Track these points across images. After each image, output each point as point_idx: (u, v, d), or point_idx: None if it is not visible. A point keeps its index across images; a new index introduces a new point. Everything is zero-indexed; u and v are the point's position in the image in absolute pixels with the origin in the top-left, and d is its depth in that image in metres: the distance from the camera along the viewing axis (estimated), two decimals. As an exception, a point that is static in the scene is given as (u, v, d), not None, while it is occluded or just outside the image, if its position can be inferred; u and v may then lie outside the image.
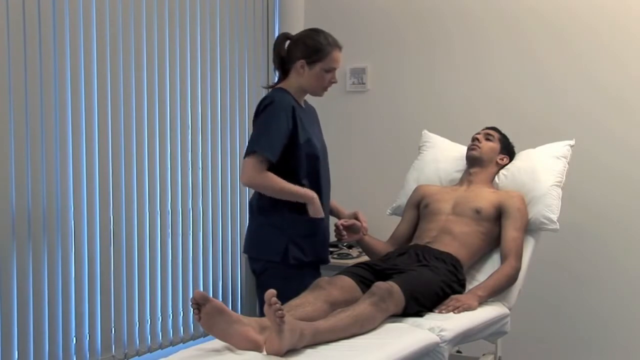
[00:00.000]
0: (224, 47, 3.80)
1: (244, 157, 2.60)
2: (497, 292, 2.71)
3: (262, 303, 2.41)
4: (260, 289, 2.69)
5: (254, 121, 2.67)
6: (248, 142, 2.63)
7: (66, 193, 3.05)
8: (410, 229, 3.01)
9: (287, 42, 2.71)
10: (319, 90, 2.72)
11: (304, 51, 2.65)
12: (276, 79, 2.82)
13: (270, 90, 2.75)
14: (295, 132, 2.62)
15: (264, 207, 2.68)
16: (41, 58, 2.93)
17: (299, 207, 2.63)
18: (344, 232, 2.77)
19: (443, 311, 2.50)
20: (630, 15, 3.40)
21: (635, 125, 3.41)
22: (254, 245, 2.74)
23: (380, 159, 4.02)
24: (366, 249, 2.94)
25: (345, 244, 3.77)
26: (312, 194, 2.64)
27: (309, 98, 2.82)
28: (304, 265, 2.66)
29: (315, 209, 2.64)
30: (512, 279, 2.74)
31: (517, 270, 2.76)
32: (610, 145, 3.45)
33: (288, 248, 2.63)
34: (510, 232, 2.82)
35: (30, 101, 2.91)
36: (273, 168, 2.58)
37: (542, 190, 2.94)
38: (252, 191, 2.80)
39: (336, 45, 2.69)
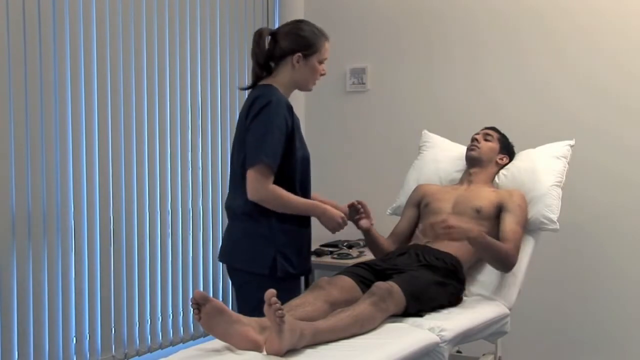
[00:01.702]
0: (224, 48, 3.80)
1: (247, 168, 2.41)
2: (490, 252, 2.66)
3: (241, 313, 2.35)
4: (243, 302, 2.55)
5: (249, 121, 2.44)
6: (248, 149, 2.43)
7: (66, 193, 3.06)
8: (410, 227, 3.00)
9: (269, 38, 2.55)
10: (311, 84, 2.60)
11: (300, 43, 2.50)
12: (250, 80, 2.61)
13: (260, 86, 2.53)
14: (293, 134, 2.48)
15: (249, 214, 2.49)
16: (41, 58, 2.93)
17: (287, 216, 2.49)
18: (361, 209, 2.69)
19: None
20: (627, 18, 3.40)
21: (632, 126, 3.41)
22: (238, 256, 2.55)
23: (380, 159, 4.02)
24: (371, 240, 2.87)
25: (345, 244, 3.77)
26: (322, 207, 2.52)
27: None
28: (288, 278, 2.52)
29: (328, 220, 2.53)
30: (508, 258, 2.69)
31: (514, 258, 2.72)
32: (606, 145, 3.45)
33: (276, 260, 2.47)
34: (510, 224, 2.79)
35: (30, 101, 2.91)
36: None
37: (542, 190, 2.93)
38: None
39: (325, 36, 2.57)
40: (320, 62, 2.56)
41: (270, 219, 2.48)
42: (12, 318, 2.89)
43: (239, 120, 2.56)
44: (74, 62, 3.07)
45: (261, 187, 2.40)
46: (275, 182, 2.43)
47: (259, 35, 2.54)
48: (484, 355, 2.96)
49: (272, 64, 2.56)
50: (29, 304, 2.94)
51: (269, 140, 2.40)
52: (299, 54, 2.51)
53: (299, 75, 2.54)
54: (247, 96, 2.60)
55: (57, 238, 3.03)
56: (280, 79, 2.54)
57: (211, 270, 3.77)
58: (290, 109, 2.49)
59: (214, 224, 3.76)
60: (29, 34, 2.88)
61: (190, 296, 2.52)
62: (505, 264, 2.71)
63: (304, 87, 2.60)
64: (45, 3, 2.94)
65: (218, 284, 3.81)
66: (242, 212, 2.52)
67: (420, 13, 3.91)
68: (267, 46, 2.54)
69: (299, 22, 2.60)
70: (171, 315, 3.56)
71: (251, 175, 2.41)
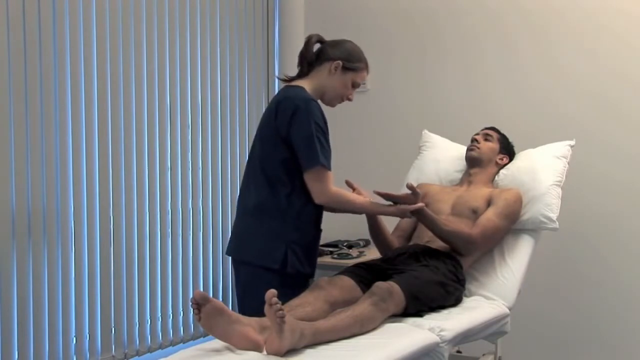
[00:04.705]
0: (224, 48, 3.80)
1: (314, 173, 2.45)
2: (438, 228, 2.67)
3: (245, 310, 2.36)
4: (250, 297, 2.53)
5: (286, 125, 2.46)
6: (301, 154, 2.46)
7: (66, 193, 3.05)
8: (413, 222, 2.99)
9: (317, 45, 2.63)
10: (337, 99, 2.65)
11: (346, 54, 2.59)
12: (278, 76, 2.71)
13: (291, 86, 2.59)
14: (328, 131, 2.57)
15: (262, 208, 2.53)
16: (41, 58, 2.93)
17: (301, 214, 2.52)
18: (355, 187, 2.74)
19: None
20: (624, 22, 3.41)
21: (627, 129, 3.42)
22: (249, 249, 2.55)
23: (380, 159, 4.02)
24: (375, 228, 2.86)
25: (345, 244, 3.77)
26: (383, 206, 2.62)
27: None
28: (297, 276, 2.54)
29: (402, 212, 2.61)
30: (466, 240, 2.72)
31: (474, 241, 2.73)
32: (603, 149, 3.46)
33: (287, 256, 2.49)
34: (486, 214, 2.81)
35: (30, 101, 2.91)
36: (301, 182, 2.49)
37: (542, 190, 2.94)
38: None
39: (367, 64, 2.67)
40: (353, 85, 2.64)
41: (284, 215, 2.51)
42: (12, 318, 2.88)
43: (263, 118, 2.60)
44: (74, 62, 3.06)
45: (324, 188, 2.47)
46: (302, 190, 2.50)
47: (308, 39, 2.61)
48: (484, 355, 2.96)
49: (305, 70, 2.62)
50: (29, 304, 2.94)
51: (327, 144, 2.50)
52: (340, 62, 2.57)
53: (331, 83, 2.60)
54: (275, 96, 2.64)
55: (57, 238, 3.03)
56: (312, 81, 2.60)
57: (211, 270, 3.77)
58: (320, 108, 2.53)
59: (214, 224, 3.76)
60: (29, 34, 2.88)
61: (190, 296, 2.51)
62: (462, 244, 2.72)
63: (329, 99, 2.64)
64: (45, 3, 2.94)
65: (218, 283, 3.81)
66: (254, 207, 2.55)
67: (421, 14, 3.91)
68: (313, 50, 2.61)
69: (352, 42, 2.68)
70: (171, 315, 3.56)
71: (310, 179, 2.47)
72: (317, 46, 2.63)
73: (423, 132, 3.41)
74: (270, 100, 2.70)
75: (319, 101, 2.61)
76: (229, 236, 2.82)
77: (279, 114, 2.49)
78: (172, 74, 3.51)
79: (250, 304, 2.48)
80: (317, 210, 2.59)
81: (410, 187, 2.60)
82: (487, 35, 3.74)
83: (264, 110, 2.67)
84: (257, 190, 2.55)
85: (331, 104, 2.66)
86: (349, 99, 2.67)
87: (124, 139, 3.28)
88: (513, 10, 3.66)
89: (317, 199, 2.50)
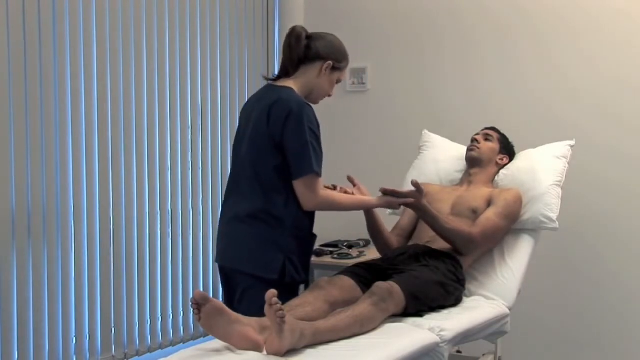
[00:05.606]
0: (224, 48, 3.80)
1: (296, 178, 2.40)
2: (448, 231, 2.67)
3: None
4: (247, 306, 2.41)
5: (280, 128, 2.39)
6: (293, 159, 2.40)
7: (66, 193, 3.06)
8: (412, 222, 2.98)
9: (305, 40, 2.50)
10: (321, 98, 2.59)
11: (336, 53, 2.52)
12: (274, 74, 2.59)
13: (279, 87, 2.51)
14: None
15: (256, 217, 2.45)
16: (41, 58, 2.93)
17: (299, 222, 2.50)
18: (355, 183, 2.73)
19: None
20: (624, 23, 3.41)
21: (626, 130, 3.42)
22: (245, 259, 2.48)
23: (380, 159, 4.02)
24: (373, 226, 2.85)
25: (345, 244, 3.77)
26: (370, 201, 2.63)
27: None
28: (293, 284, 2.51)
29: (389, 204, 2.61)
30: (466, 239, 2.70)
31: (475, 240, 2.72)
32: (603, 150, 3.46)
33: (285, 266, 2.44)
34: (486, 213, 2.80)
35: (30, 101, 2.91)
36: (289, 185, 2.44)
37: (542, 190, 2.93)
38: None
39: (349, 60, 2.60)
40: (337, 82, 2.58)
41: (282, 223, 2.45)
42: (12, 318, 2.89)
43: (254, 121, 2.49)
44: (74, 62, 3.07)
45: (315, 196, 2.43)
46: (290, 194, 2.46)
47: (298, 34, 2.50)
48: (484, 355, 2.96)
49: (294, 67, 2.53)
50: (29, 304, 2.94)
51: (320, 150, 2.45)
52: (331, 62, 2.51)
53: (320, 83, 2.53)
54: (259, 96, 2.56)
55: (57, 238, 3.03)
56: (301, 81, 2.52)
57: (211, 271, 3.77)
58: (313, 111, 2.48)
59: (214, 224, 3.75)
60: (29, 34, 2.88)
61: (190, 296, 2.50)
62: (461, 243, 2.70)
63: (316, 97, 2.58)
64: (45, 3, 2.94)
65: (218, 284, 3.80)
66: (248, 215, 2.47)
67: (420, 14, 3.91)
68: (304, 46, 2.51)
69: (334, 36, 2.58)
70: (171, 315, 3.56)
71: (301, 186, 2.42)
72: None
73: (423, 132, 3.41)
74: (251, 98, 2.62)
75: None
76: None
77: (272, 118, 2.42)
78: (172, 74, 3.51)
79: (247, 312, 2.37)
80: (311, 216, 2.56)
81: (415, 184, 2.60)
82: (486, 35, 3.75)
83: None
84: (251, 197, 2.47)
85: (316, 102, 2.59)
86: (329, 96, 2.62)
87: (124, 139, 3.28)
88: (513, 10, 3.67)
89: (306, 206, 2.45)
